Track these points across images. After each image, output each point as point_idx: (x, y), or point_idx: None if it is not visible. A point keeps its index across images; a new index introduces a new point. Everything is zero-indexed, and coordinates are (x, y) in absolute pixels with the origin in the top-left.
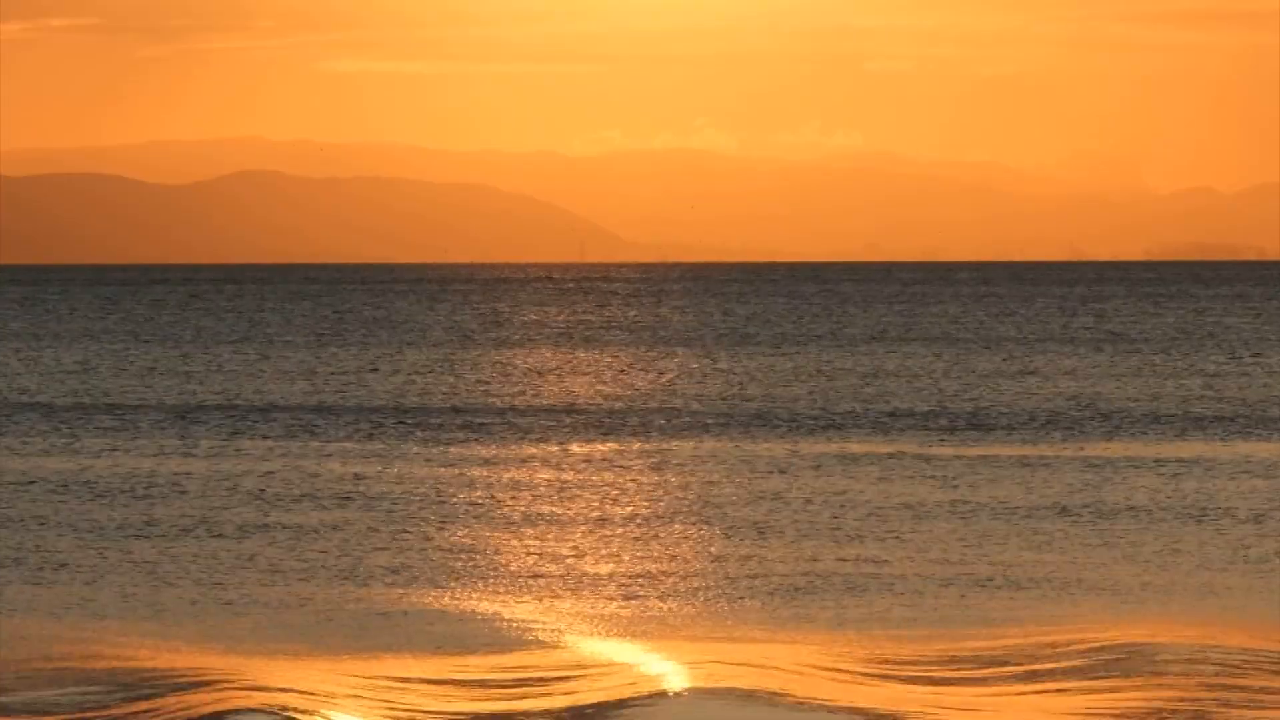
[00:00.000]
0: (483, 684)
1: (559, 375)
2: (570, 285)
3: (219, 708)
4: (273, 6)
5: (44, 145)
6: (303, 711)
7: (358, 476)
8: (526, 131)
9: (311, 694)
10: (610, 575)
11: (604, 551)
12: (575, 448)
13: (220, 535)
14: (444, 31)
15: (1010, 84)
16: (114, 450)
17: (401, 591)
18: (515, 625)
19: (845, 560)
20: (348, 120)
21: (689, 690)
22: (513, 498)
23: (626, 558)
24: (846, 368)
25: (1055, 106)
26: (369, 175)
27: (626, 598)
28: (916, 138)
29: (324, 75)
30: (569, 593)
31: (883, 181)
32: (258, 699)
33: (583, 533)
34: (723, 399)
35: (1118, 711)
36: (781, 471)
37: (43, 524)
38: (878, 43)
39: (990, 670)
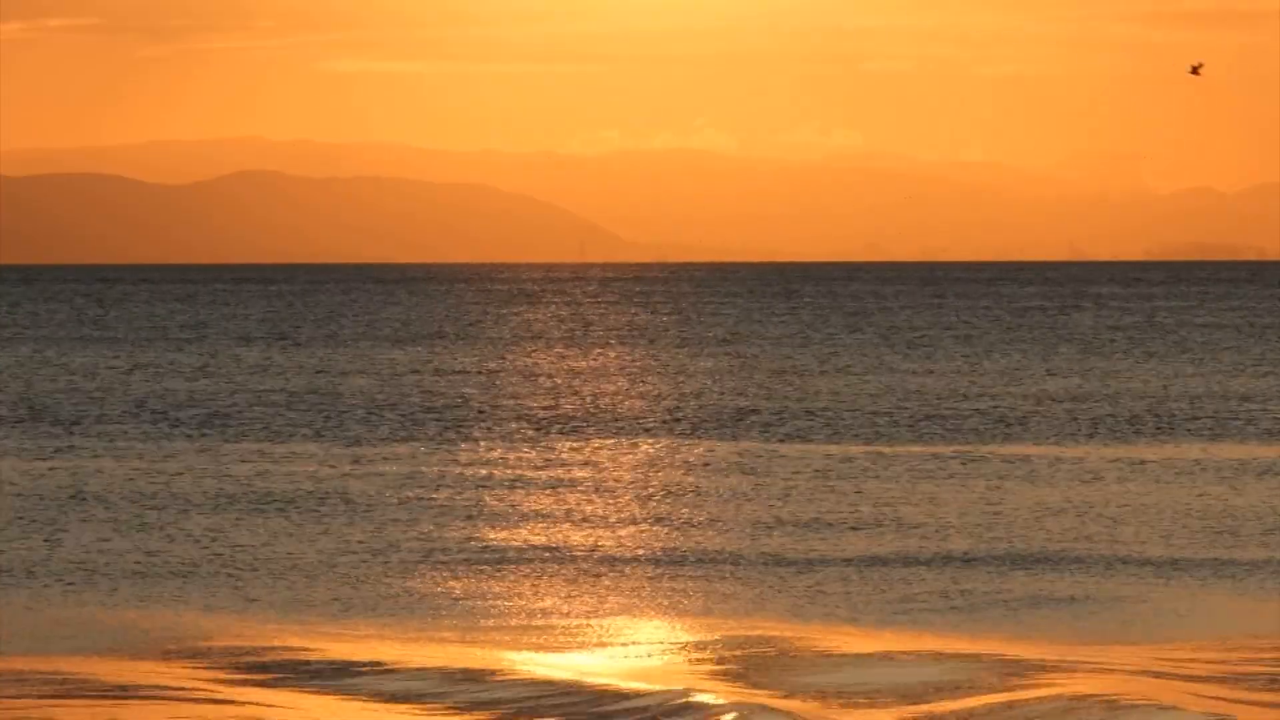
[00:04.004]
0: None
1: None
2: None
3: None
4: (273, 6)
5: (44, 145)
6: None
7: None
8: (526, 131)
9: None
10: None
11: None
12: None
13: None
14: (444, 31)
15: (1010, 84)
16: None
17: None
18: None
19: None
20: (347, 120)
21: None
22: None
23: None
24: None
25: (1055, 106)
26: (369, 175)
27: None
28: (916, 138)
29: (324, 75)
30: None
31: (883, 181)
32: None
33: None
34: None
35: None
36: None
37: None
38: (877, 43)
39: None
